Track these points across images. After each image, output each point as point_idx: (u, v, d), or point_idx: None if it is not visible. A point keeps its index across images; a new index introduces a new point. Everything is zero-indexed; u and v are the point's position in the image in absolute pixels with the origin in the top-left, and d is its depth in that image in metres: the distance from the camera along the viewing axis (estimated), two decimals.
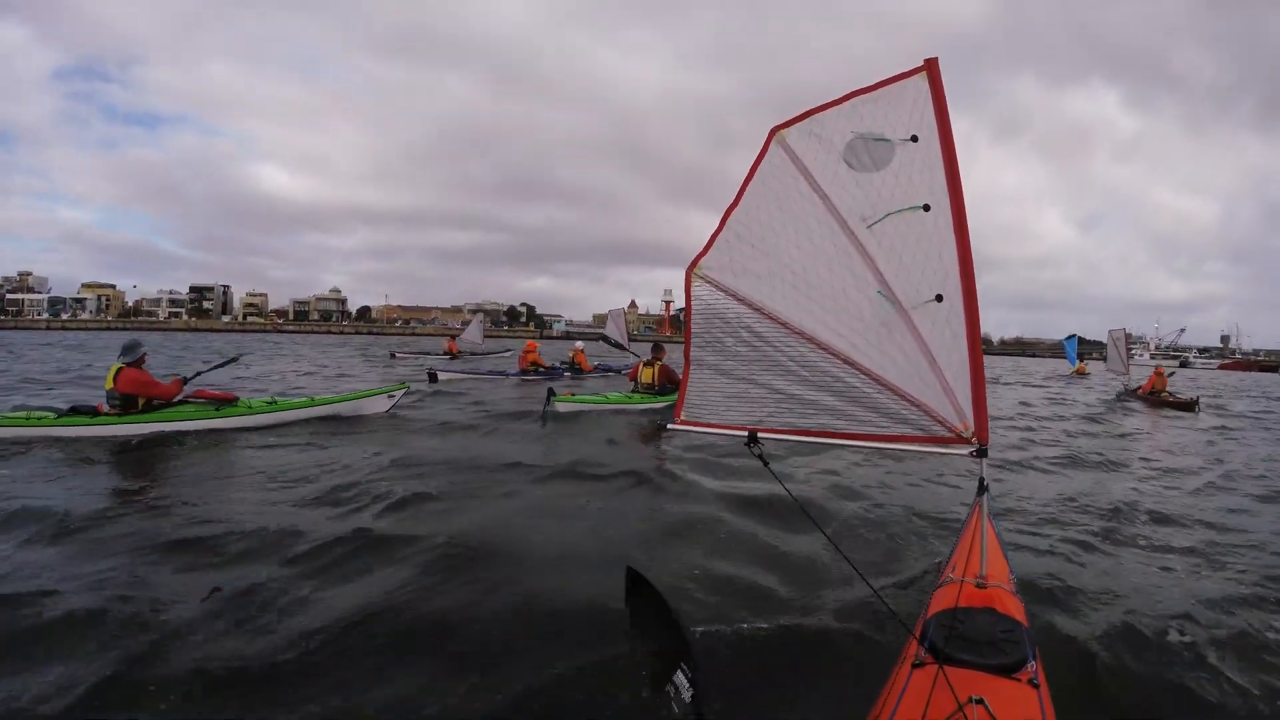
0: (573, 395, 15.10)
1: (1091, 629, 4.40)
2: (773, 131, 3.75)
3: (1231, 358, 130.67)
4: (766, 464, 3.49)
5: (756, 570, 5.32)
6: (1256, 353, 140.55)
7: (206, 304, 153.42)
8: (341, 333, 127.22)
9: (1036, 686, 2.68)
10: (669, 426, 4.03)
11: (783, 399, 3.71)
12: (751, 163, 3.79)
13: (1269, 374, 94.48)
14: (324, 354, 43.34)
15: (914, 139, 3.49)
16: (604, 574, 4.72)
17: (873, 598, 4.52)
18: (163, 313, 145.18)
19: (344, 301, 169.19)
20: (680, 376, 4.10)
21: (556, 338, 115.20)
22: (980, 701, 2.42)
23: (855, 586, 4.62)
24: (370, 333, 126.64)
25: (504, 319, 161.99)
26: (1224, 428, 18.10)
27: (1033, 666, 2.78)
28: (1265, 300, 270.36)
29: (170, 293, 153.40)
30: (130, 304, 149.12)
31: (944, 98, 3.48)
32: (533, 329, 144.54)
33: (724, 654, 4.03)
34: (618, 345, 27.43)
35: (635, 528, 6.36)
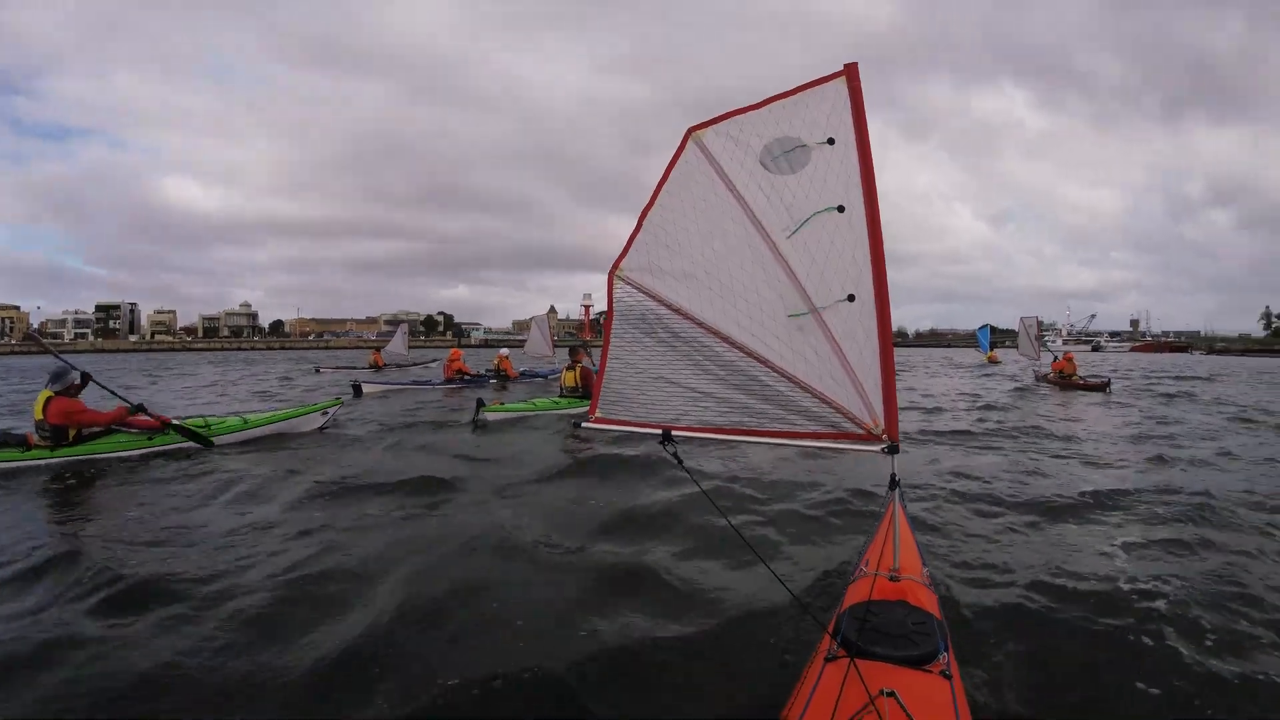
0: (501, 404, 15.10)
1: (1005, 619, 4.48)
2: (689, 132, 3.77)
3: (1142, 340, 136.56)
4: (680, 461, 3.51)
5: (673, 570, 5.32)
6: (1165, 334, 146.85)
7: (114, 323, 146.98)
8: (253, 348, 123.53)
9: (948, 678, 2.73)
10: (583, 425, 3.98)
11: (697, 397, 3.70)
12: (668, 163, 3.80)
13: (1180, 354, 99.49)
14: (231, 370, 41.81)
15: (830, 142, 3.55)
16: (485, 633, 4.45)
17: (789, 594, 4.65)
18: (68, 334, 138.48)
19: (255, 316, 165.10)
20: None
21: (475, 346, 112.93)
22: (892, 694, 2.46)
23: (772, 583, 4.58)
24: (283, 347, 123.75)
25: (421, 329, 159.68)
26: (1135, 406, 18.89)
27: (944, 658, 2.83)
28: (1171, 285, 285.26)
29: (76, 313, 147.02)
30: (35, 326, 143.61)
31: (862, 102, 3.55)
32: (450, 338, 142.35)
33: (643, 652, 4.03)
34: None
35: (552, 535, 6.27)
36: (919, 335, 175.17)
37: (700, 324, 3.68)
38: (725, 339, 3.64)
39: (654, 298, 3.77)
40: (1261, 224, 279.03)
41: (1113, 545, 6.17)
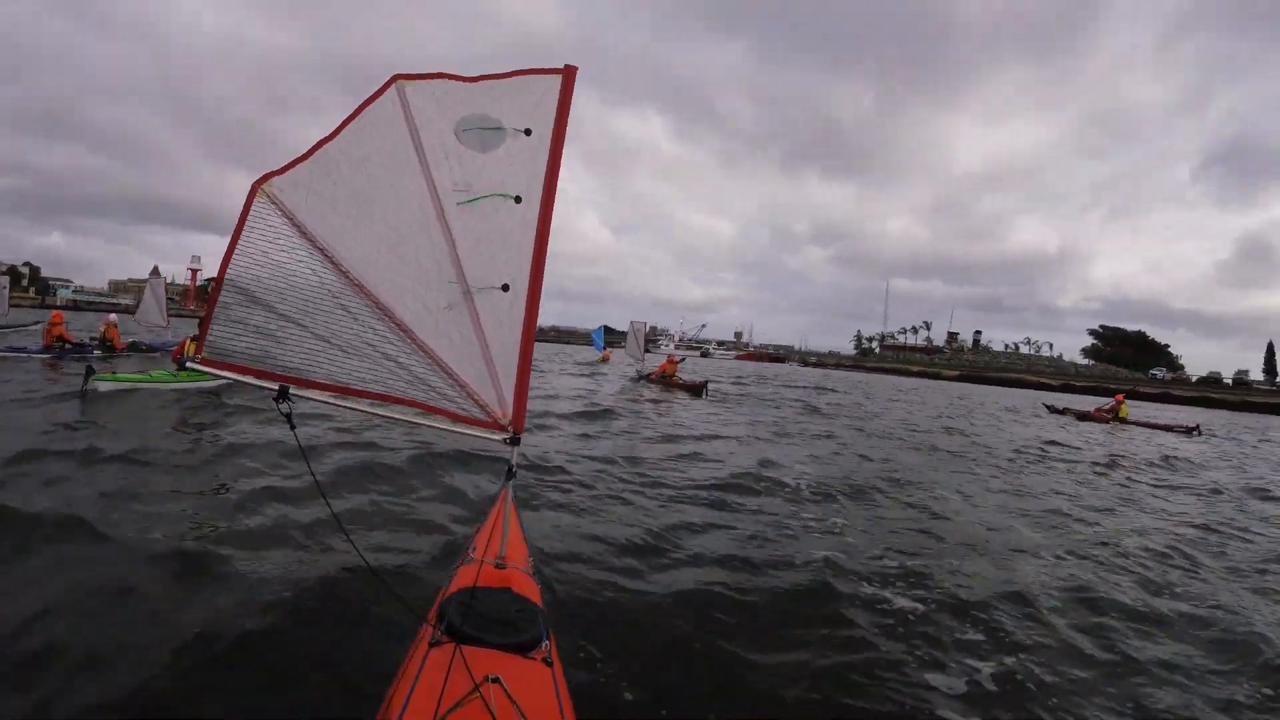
0: (114, 374, 13.32)
1: (602, 608, 4.74)
2: (395, 78, 3.53)
3: (746, 350, 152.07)
4: (294, 428, 3.16)
5: (269, 556, 4.96)
6: (766, 346, 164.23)
7: None
8: None
9: (550, 665, 2.80)
10: (188, 364, 3.32)
11: (323, 349, 3.35)
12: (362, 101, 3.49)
13: (780, 364, 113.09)
14: None
15: (527, 132, 3.56)
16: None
17: (393, 578, 4.48)
18: None
19: None
20: None
21: (63, 307, 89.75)
22: (496, 680, 2.48)
23: (378, 566, 4.50)
24: None
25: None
26: (728, 405, 21.97)
27: (546, 646, 2.91)
28: (769, 304, 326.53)
29: None
30: None
31: (569, 104, 3.61)
32: (34, 295, 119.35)
33: (224, 647, 3.72)
34: None
35: (165, 526, 5.51)
36: (543, 331, 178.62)
37: (345, 273, 3.38)
38: (370, 296, 3.40)
39: (299, 228, 3.35)
40: (852, 263, 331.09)
41: (704, 530, 6.87)
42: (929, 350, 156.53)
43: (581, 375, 33.31)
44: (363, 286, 3.40)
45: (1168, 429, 28.53)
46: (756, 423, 17.73)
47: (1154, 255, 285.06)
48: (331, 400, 3.39)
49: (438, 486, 7.40)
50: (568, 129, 3.62)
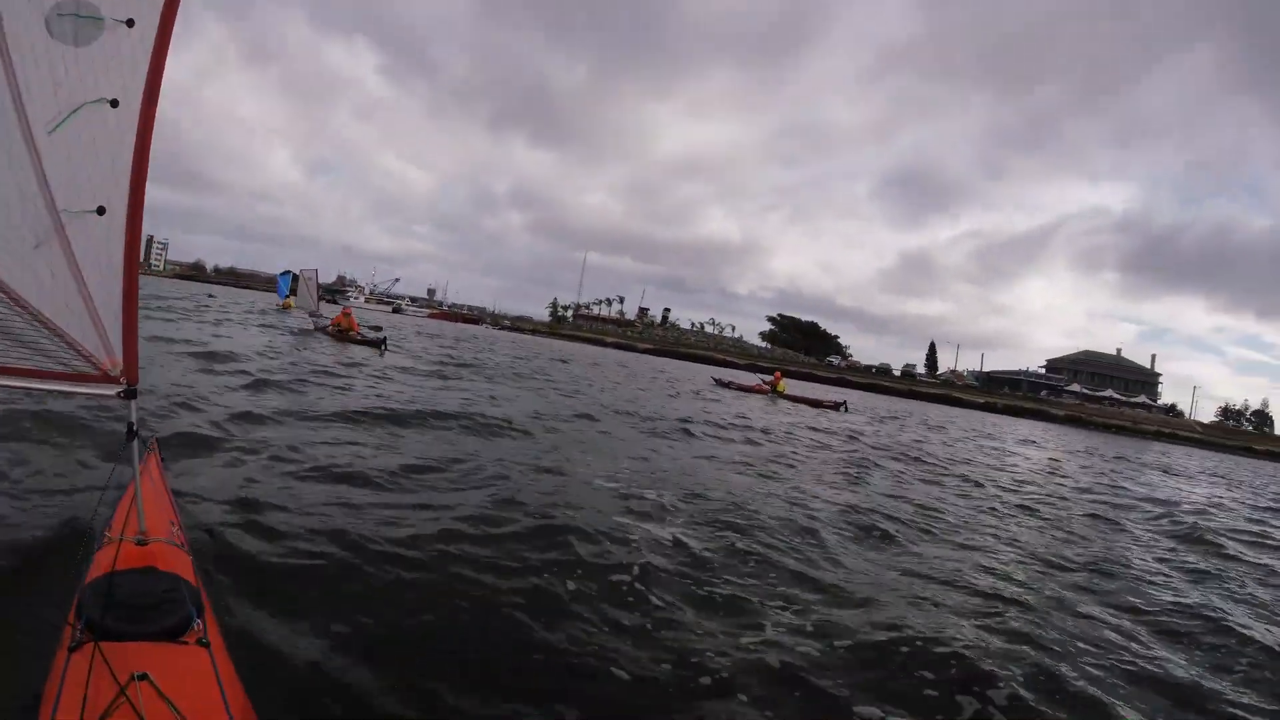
0: None
1: (267, 569, 4.36)
2: None
3: (439, 309, 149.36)
4: None
5: None
6: (460, 306, 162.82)
7: None
8: None
9: (206, 645, 2.50)
10: None
11: None
12: None
13: (474, 325, 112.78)
14: None
15: (130, 24, 2.89)
16: None
17: (24, 576, 3.89)
18: None
19: None
20: None
21: None
22: (144, 677, 2.15)
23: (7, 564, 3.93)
24: None
25: None
26: (406, 355, 22.83)
27: (200, 625, 2.59)
28: (464, 264, 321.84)
29: None
30: None
31: None
32: None
33: None
34: None
35: None
36: (219, 271, 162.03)
37: None
38: None
39: None
40: (549, 232, 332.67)
41: (387, 484, 6.67)
42: (621, 322, 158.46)
43: (259, 325, 30.80)
44: None
45: (818, 404, 32.82)
46: (443, 369, 18.14)
47: (827, 257, 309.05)
48: None
49: (66, 460, 6.24)
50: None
